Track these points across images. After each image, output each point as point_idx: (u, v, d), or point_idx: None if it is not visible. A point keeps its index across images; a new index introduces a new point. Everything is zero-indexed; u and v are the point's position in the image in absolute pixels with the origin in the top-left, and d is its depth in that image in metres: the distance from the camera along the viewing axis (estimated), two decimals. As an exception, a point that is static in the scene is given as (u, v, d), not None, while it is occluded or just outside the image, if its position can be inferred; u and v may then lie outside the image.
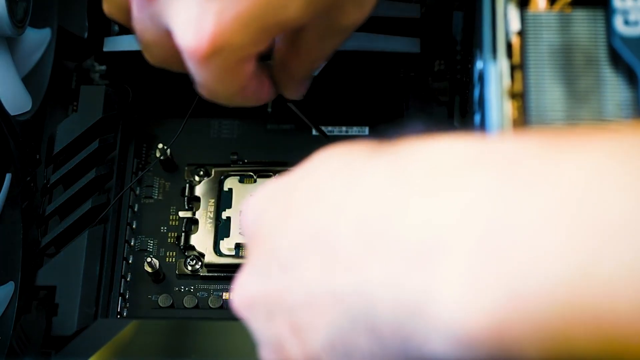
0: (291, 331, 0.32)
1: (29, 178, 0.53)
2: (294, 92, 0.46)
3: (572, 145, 0.26)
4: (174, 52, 0.39)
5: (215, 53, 0.37)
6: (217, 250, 0.53)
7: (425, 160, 0.28)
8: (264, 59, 0.44)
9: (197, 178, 0.55)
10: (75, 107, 0.56)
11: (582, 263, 0.24)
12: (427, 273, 0.26)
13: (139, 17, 0.41)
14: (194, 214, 0.54)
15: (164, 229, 0.54)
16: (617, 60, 0.34)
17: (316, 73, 0.55)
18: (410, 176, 0.28)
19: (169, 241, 0.54)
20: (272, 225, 0.33)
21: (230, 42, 0.37)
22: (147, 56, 0.43)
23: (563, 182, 0.25)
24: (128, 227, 0.54)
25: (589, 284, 0.24)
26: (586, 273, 0.24)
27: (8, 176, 0.50)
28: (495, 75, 0.35)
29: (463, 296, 0.25)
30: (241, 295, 0.34)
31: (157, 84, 0.55)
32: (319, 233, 0.30)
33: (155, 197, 0.55)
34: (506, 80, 0.35)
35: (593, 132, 0.27)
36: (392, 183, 0.29)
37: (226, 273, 0.52)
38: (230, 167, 0.55)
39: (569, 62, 0.35)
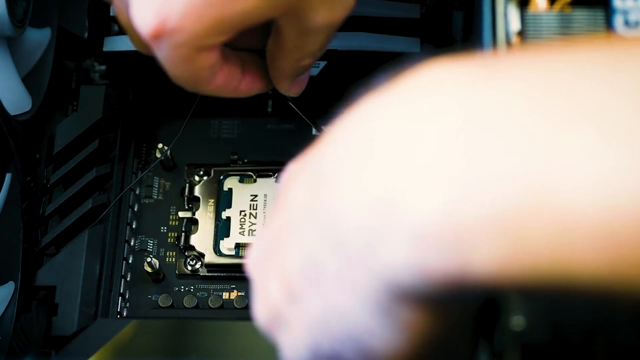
0: (278, 275, 0.32)
1: (29, 178, 0.53)
2: (287, 88, 0.46)
3: (555, 52, 0.27)
4: None
5: (165, 36, 0.38)
6: (217, 250, 0.53)
7: (407, 81, 0.29)
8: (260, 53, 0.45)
9: (197, 178, 0.55)
10: (75, 107, 0.56)
11: (542, 150, 0.24)
12: (395, 175, 0.27)
13: (114, 0, 0.42)
14: (193, 214, 0.54)
15: (164, 229, 0.54)
16: (617, 60, 0.34)
17: (314, 72, 0.55)
18: (389, 94, 0.29)
19: (169, 241, 0.54)
20: (288, 185, 0.34)
21: (182, 28, 0.38)
22: (131, 41, 0.43)
23: (536, 78, 0.26)
24: (128, 227, 0.54)
25: (547, 172, 0.24)
26: (544, 162, 0.24)
27: (8, 176, 0.50)
28: (496, 75, 0.35)
29: (421, 189, 0.26)
30: (251, 254, 0.35)
31: (157, 84, 0.55)
32: (312, 166, 0.31)
33: (155, 197, 0.55)
34: (506, 80, 0.35)
35: (575, 44, 0.27)
36: (374, 104, 0.29)
37: (226, 273, 0.52)
38: (230, 167, 0.55)
39: (569, 62, 0.35)
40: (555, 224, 0.23)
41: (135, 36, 0.41)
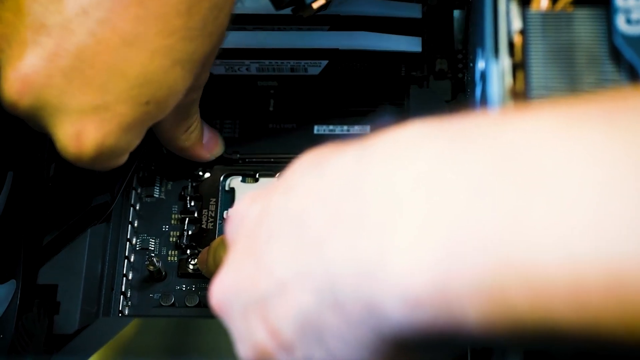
0: (263, 323, 0.32)
1: (30, 177, 0.53)
2: (204, 155, 0.53)
3: (519, 115, 0.28)
4: None
5: (94, 160, 0.43)
6: (218, 249, 0.53)
7: (386, 142, 0.29)
8: None
9: (198, 177, 0.55)
10: (76, 106, 0.56)
11: (508, 219, 0.25)
12: (381, 238, 0.28)
13: None
14: (195, 213, 0.54)
15: (165, 228, 0.54)
16: (619, 59, 0.34)
17: (316, 72, 0.55)
18: (370, 155, 0.30)
19: (170, 240, 0.54)
20: (250, 225, 0.34)
21: (110, 149, 0.43)
22: None
23: (499, 144, 0.27)
24: (130, 225, 0.54)
25: (516, 240, 0.25)
26: (513, 229, 0.25)
27: (10, 175, 0.50)
28: (497, 74, 0.35)
29: (410, 257, 0.27)
30: (217, 292, 0.35)
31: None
32: (292, 219, 0.31)
33: (157, 195, 0.55)
34: (508, 79, 0.35)
35: (549, 103, 0.28)
36: (355, 162, 0.30)
37: (228, 272, 0.52)
38: (231, 166, 0.55)
39: (571, 61, 0.35)
40: (529, 286, 0.25)
41: None
